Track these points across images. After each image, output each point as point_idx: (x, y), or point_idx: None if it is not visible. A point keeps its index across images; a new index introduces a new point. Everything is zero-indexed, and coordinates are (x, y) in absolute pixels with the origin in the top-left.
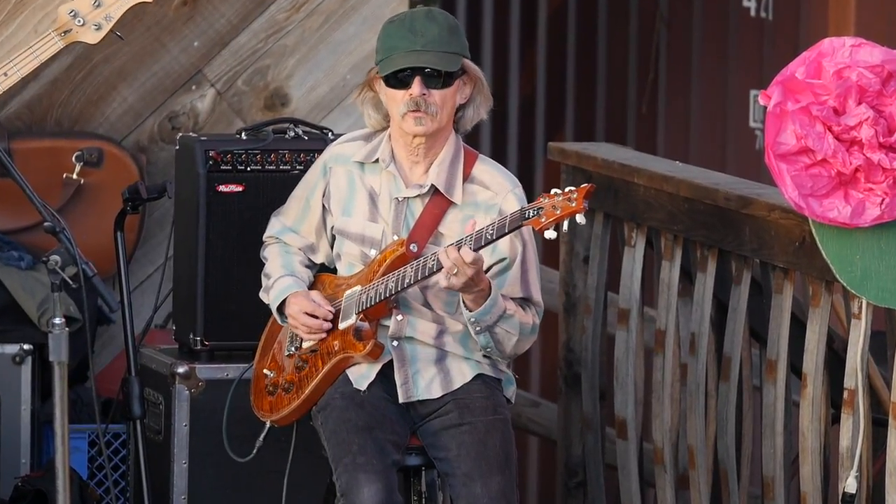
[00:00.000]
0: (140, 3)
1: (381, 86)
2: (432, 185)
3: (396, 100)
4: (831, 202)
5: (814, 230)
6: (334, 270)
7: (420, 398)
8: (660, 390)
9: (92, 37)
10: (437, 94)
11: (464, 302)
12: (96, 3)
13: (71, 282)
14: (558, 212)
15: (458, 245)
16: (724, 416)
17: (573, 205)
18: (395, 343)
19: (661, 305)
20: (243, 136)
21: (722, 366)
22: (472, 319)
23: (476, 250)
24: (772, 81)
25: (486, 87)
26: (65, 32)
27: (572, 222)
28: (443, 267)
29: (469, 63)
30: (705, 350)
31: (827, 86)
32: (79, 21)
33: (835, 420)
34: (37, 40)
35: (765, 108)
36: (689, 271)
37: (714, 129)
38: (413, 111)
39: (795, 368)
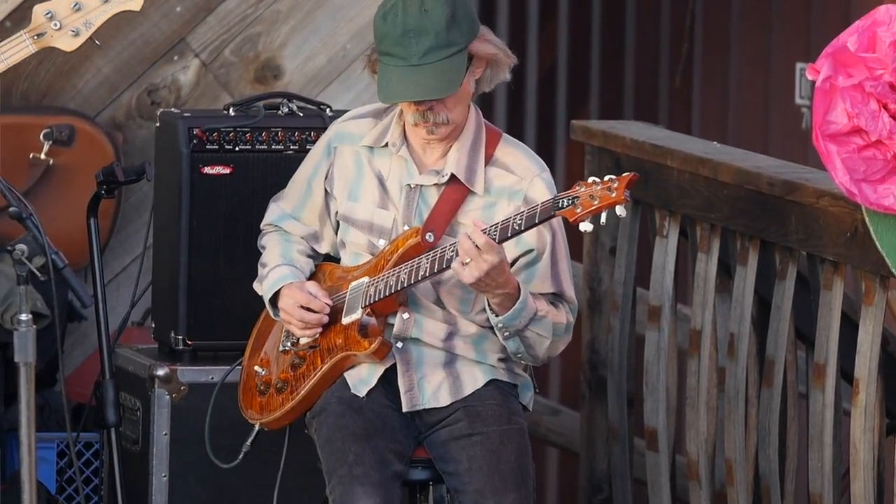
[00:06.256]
0: (125, 10)
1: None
2: (451, 174)
3: (402, 105)
4: (887, 188)
5: (867, 219)
6: (339, 261)
7: (426, 406)
8: (694, 397)
9: (68, 43)
10: (446, 100)
11: (489, 305)
12: (76, 6)
13: (39, 274)
14: (596, 202)
15: (472, 232)
16: (766, 426)
17: (613, 195)
18: (399, 345)
19: (697, 302)
20: (231, 112)
21: (764, 370)
22: (500, 325)
23: (501, 242)
24: (820, 53)
25: (504, 50)
26: (38, 35)
27: (611, 215)
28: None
29: (478, 45)
30: (745, 352)
31: (882, 59)
32: (55, 24)
33: (889, 431)
34: (6, 42)
35: (812, 83)
36: (727, 264)
37: (756, 106)
38: (423, 123)
39: (846, 373)
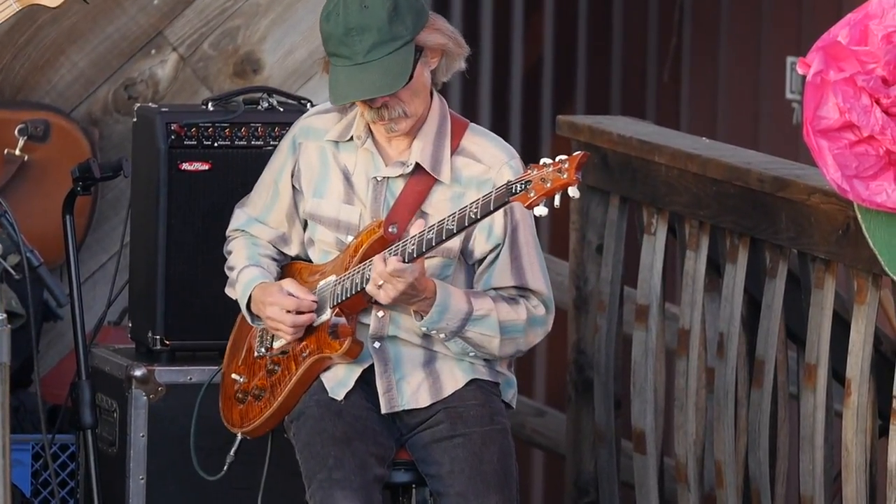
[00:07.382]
0: None
1: None
2: (416, 163)
3: (358, 105)
4: (879, 184)
5: (859, 216)
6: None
7: (405, 408)
8: (683, 398)
9: None
10: (399, 94)
11: (413, 312)
12: None
13: (13, 272)
14: (548, 185)
15: (387, 254)
16: (756, 428)
17: (564, 176)
18: (376, 345)
19: (685, 301)
20: (210, 107)
21: (754, 370)
22: (425, 328)
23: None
24: (811, 47)
25: (455, 39)
26: None
27: (565, 196)
28: (425, 250)
29: (426, 36)
30: (735, 352)
31: (874, 52)
32: None
33: (882, 432)
34: None
35: (803, 77)
36: (716, 263)
37: (745, 101)
38: (380, 121)
39: (837, 374)
